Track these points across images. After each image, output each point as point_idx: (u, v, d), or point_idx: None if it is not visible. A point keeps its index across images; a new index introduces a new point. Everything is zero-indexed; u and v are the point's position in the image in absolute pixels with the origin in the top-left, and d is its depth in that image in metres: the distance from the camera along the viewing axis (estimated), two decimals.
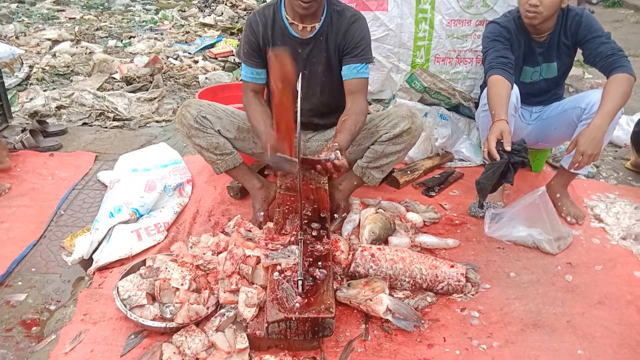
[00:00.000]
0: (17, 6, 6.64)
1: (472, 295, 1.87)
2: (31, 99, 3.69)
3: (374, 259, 1.85)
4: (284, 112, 1.65)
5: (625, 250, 2.16)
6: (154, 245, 2.10)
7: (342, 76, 2.07)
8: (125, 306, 1.66)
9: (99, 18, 6.32)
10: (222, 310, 1.68)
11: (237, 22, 6.15)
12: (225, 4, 6.88)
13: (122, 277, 1.77)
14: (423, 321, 1.72)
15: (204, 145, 2.10)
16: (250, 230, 2.04)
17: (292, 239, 1.86)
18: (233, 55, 4.84)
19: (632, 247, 2.16)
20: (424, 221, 2.28)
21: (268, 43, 2.03)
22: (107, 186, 2.48)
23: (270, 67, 1.72)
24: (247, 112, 2.08)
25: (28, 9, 6.56)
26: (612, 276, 2.00)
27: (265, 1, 3.00)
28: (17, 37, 5.17)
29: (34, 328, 1.73)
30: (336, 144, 1.80)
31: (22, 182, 2.61)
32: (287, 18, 2.01)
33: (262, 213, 2.22)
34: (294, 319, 1.53)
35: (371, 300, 1.71)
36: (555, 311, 1.82)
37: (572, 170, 2.21)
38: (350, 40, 2.02)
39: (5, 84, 3.10)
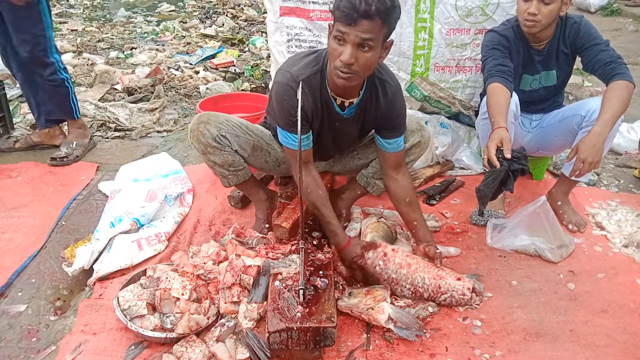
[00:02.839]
0: None
1: (477, 305, 1.86)
2: None
3: (385, 258, 1.85)
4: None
5: (627, 258, 2.15)
6: (155, 255, 2.10)
7: (379, 146, 2.03)
8: (125, 316, 1.66)
9: (101, 30, 6.36)
10: (222, 320, 1.67)
11: (237, 33, 6.19)
12: (226, 15, 6.93)
13: (123, 287, 1.77)
14: (425, 330, 1.71)
15: (218, 162, 2.03)
16: (245, 236, 2.04)
17: (293, 247, 1.85)
18: (234, 65, 4.86)
19: (635, 255, 2.15)
20: None
21: (315, 115, 1.93)
22: (108, 196, 2.48)
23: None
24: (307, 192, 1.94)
25: None
26: (614, 284, 1.99)
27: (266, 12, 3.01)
28: None
29: (34, 339, 1.72)
30: (432, 246, 1.99)
31: (23, 193, 2.61)
32: (329, 90, 1.89)
33: (267, 225, 2.21)
34: (295, 328, 1.52)
35: (373, 309, 1.70)
36: (557, 320, 1.81)
37: (573, 178, 2.21)
38: (389, 120, 1.96)
39: (8, 95, 3.12)
